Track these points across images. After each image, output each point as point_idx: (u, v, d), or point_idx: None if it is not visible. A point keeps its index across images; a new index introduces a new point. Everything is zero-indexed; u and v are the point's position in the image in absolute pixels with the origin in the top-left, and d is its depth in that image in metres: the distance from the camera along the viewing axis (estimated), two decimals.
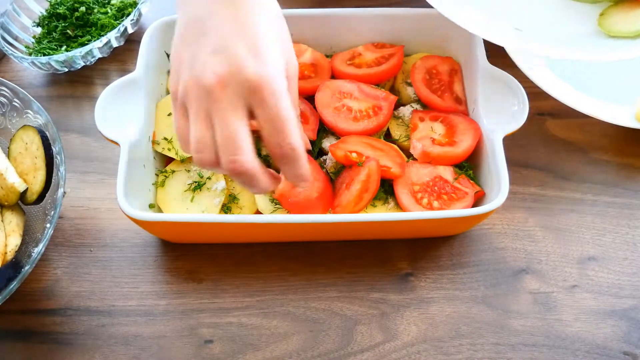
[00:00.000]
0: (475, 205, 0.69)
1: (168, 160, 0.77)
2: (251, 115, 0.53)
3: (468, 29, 0.70)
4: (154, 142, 0.75)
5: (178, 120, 0.55)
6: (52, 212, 0.68)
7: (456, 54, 0.81)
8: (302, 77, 0.80)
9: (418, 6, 0.81)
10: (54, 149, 0.71)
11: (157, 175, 0.75)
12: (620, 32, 0.68)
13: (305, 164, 0.55)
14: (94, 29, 0.93)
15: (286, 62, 0.56)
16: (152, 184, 0.74)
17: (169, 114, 0.77)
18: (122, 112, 0.72)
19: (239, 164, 0.52)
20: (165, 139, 0.75)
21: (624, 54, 0.68)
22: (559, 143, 0.83)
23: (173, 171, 0.75)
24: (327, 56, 0.83)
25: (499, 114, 0.71)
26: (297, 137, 0.53)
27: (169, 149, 0.75)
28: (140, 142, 0.72)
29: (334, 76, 0.81)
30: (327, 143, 0.75)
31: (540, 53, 0.68)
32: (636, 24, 0.68)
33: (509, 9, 0.76)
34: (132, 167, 0.68)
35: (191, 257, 0.74)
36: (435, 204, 0.69)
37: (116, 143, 0.69)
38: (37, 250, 0.66)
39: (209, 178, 0.73)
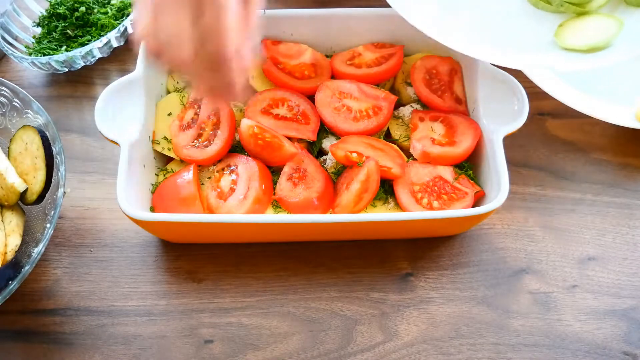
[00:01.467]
0: (475, 205, 0.69)
1: (168, 160, 0.77)
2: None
3: (418, 27, 0.69)
4: (154, 142, 0.75)
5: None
6: (52, 212, 0.68)
7: (456, 53, 0.81)
8: (302, 77, 0.80)
9: None
10: (54, 149, 0.71)
11: (157, 175, 0.75)
12: (572, 45, 0.69)
13: (234, 76, 0.54)
14: (94, 29, 0.93)
15: None
16: (152, 184, 0.74)
17: (169, 114, 0.77)
18: (122, 112, 0.72)
19: (177, 60, 0.54)
20: (166, 138, 0.75)
21: (573, 67, 0.69)
22: (559, 143, 0.83)
23: (173, 170, 0.75)
24: (327, 56, 0.83)
25: (499, 114, 0.71)
26: (229, 48, 0.53)
27: (169, 149, 0.75)
28: (140, 142, 0.72)
29: (334, 76, 0.81)
30: (327, 143, 0.75)
31: (489, 59, 0.68)
32: (587, 39, 0.69)
33: (469, 10, 0.75)
34: (132, 167, 0.68)
35: (191, 257, 0.74)
36: (435, 204, 0.69)
37: (116, 143, 0.69)
38: (37, 250, 0.66)
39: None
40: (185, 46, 0.55)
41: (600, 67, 0.67)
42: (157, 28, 0.56)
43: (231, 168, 0.73)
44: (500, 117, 0.71)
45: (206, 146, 0.73)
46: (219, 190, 0.71)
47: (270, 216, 0.67)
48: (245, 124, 0.72)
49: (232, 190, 0.70)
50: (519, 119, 0.69)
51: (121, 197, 0.65)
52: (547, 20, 0.75)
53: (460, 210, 0.66)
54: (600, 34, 0.69)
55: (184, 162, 0.75)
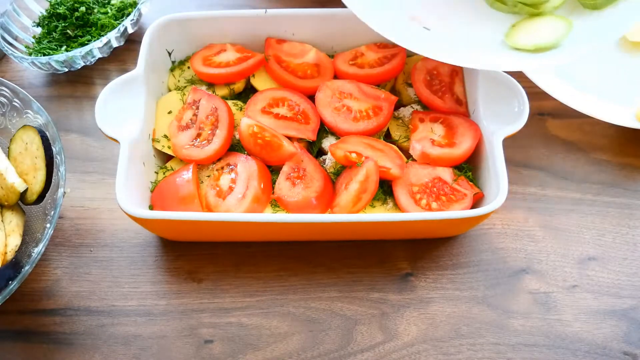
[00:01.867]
0: (474, 206, 0.69)
1: (168, 157, 0.77)
2: None
3: (369, 24, 0.69)
4: (154, 140, 0.75)
5: None
6: (52, 212, 0.68)
7: None
8: (304, 76, 0.80)
9: None
10: (54, 149, 0.71)
11: (156, 173, 0.75)
12: (521, 45, 0.70)
13: None
14: (94, 29, 0.93)
15: None
16: (152, 182, 0.74)
17: (169, 112, 0.77)
18: (122, 109, 0.72)
19: None
20: (166, 136, 0.76)
21: (519, 66, 0.69)
22: (559, 143, 0.83)
23: (173, 168, 0.75)
24: (329, 56, 0.83)
25: (499, 115, 0.71)
26: None
27: (169, 147, 0.75)
28: (140, 140, 0.72)
29: (336, 76, 0.81)
30: (327, 143, 0.75)
31: (439, 58, 0.68)
32: (535, 39, 0.69)
33: (422, 6, 0.75)
34: (131, 164, 0.68)
35: (191, 257, 0.74)
36: (434, 205, 0.69)
37: (116, 140, 0.69)
38: (37, 250, 0.66)
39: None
40: None
41: (545, 66, 0.68)
42: None
43: (230, 167, 0.73)
44: (500, 118, 0.70)
45: (205, 145, 0.73)
46: (218, 188, 0.71)
47: (268, 215, 0.67)
48: (245, 123, 0.72)
49: (231, 189, 0.71)
50: (519, 121, 0.69)
51: (120, 195, 0.65)
52: (501, 20, 0.75)
53: (458, 212, 0.66)
54: (549, 35, 0.70)
55: (183, 161, 0.75)
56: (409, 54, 0.83)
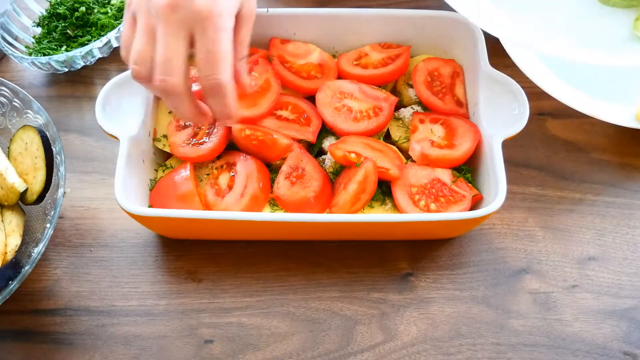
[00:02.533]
0: (473, 208, 0.69)
1: (167, 156, 0.77)
2: (192, 44, 0.57)
3: (499, 36, 0.69)
4: (155, 139, 0.75)
5: (126, 28, 0.60)
6: (52, 212, 0.68)
7: (459, 56, 0.81)
8: (308, 77, 0.80)
9: (422, 8, 0.81)
10: (54, 149, 0.71)
11: (156, 170, 0.75)
12: None
13: (231, 102, 0.59)
14: (94, 29, 0.93)
15: (241, 4, 0.59)
16: (151, 179, 0.74)
17: (170, 112, 0.77)
18: (123, 106, 0.72)
19: (169, 84, 0.56)
20: (166, 135, 0.76)
21: None
22: (559, 143, 0.82)
23: (172, 166, 0.75)
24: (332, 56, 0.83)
25: (499, 117, 0.71)
26: (227, 74, 0.56)
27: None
28: (140, 137, 0.72)
29: (340, 77, 0.81)
30: (326, 143, 0.75)
31: (579, 59, 0.67)
32: None
33: (540, 16, 0.75)
34: (131, 162, 0.69)
35: (191, 257, 0.74)
36: (433, 206, 0.69)
37: (115, 137, 0.69)
38: (37, 250, 0.66)
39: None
40: (178, 73, 0.57)
41: None
42: (148, 54, 0.57)
43: (230, 166, 0.73)
44: (500, 121, 0.70)
45: (201, 144, 0.73)
46: (217, 187, 0.71)
47: (266, 214, 0.67)
48: (236, 127, 0.72)
49: (230, 187, 0.71)
50: (519, 124, 0.69)
51: (119, 192, 0.65)
52: (620, 16, 0.73)
53: (456, 213, 0.66)
54: None
55: (180, 159, 0.75)
56: (413, 54, 0.83)
